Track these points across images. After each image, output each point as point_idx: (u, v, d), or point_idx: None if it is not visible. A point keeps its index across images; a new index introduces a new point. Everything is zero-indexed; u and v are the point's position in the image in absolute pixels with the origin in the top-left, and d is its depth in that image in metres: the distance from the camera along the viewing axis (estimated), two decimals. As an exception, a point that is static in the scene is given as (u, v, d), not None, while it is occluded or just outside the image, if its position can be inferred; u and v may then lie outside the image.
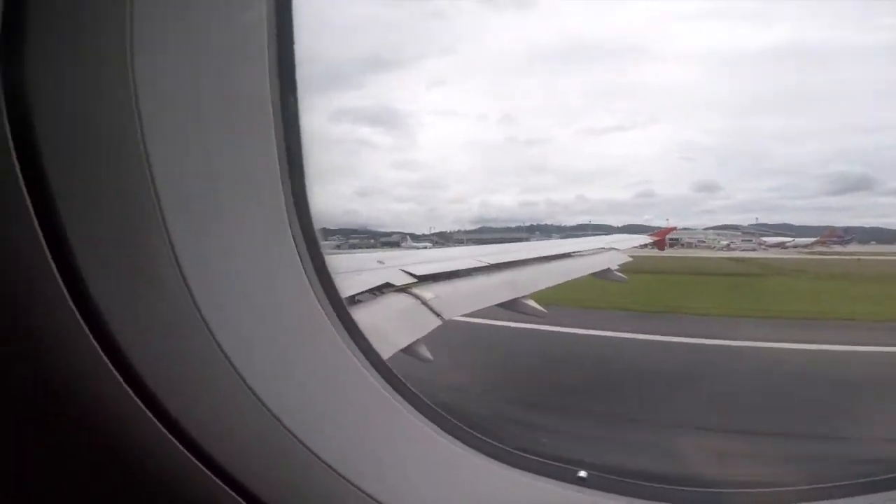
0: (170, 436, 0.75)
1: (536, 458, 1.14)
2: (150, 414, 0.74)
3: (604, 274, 7.46)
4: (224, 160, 0.82)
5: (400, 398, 1.08)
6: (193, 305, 0.76)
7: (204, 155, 0.80)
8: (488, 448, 1.14)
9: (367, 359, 1.06)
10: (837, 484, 1.09)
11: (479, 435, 1.15)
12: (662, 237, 10.37)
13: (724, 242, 52.86)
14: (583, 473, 1.11)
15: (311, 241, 0.98)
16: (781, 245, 47.96)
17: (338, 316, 1.02)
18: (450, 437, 1.12)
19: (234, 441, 0.82)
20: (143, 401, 0.73)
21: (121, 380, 0.72)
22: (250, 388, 0.81)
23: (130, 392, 0.72)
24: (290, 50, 0.92)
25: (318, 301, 0.97)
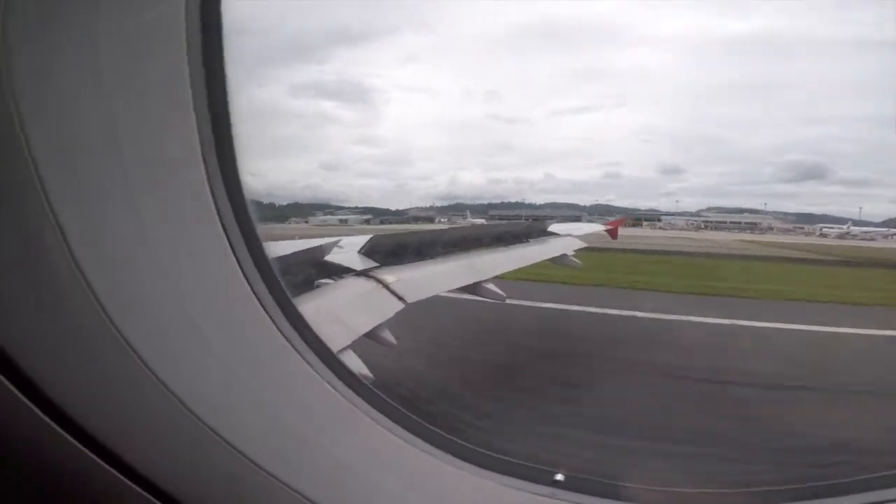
0: (63, 432, 0.70)
1: (511, 460, 1.13)
2: (38, 410, 0.68)
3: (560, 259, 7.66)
4: (131, 143, 0.76)
5: (349, 391, 1.03)
6: (90, 294, 0.70)
7: (109, 140, 0.74)
8: (458, 449, 1.11)
9: (310, 347, 1.01)
10: (828, 483, 1.13)
11: (447, 435, 1.12)
12: (616, 227, 10.75)
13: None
14: (559, 476, 1.11)
15: (244, 222, 0.92)
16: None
17: (271, 296, 0.97)
18: (410, 436, 1.07)
19: (139, 436, 0.77)
20: (32, 399, 0.68)
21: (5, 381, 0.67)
22: (160, 380, 0.75)
23: (14, 390, 0.67)
24: (216, 24, 0.87)
25: (247, 280, 0.92)
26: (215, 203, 0.86)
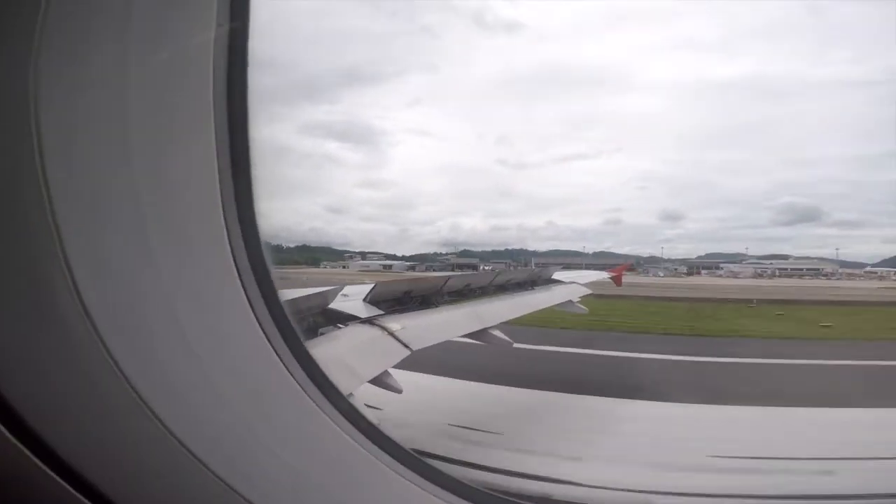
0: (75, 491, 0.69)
1: (515, 500, 1.10)
2: (51, 472, 0.68)
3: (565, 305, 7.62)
4: (149, 193, 0.76)
5: (362, 437, 1.00)
6: (103, 349, 0.69)
7: (128, 191, 0.74)
8: (457, 487, 1.08)
9: (326, 397, 0.98)
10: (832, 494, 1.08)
11: (444, 472, 1.09)
12: (620, 273, 10.74)
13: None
14: None
15: (260, 272, 0.91)
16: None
17: (286, 345, 0.94)
18: (423, 481, 1.04)
19: (151, 488, 0.76)
20: (46, 461, 0.68)
21: None
22: (176, 436, 0.74)
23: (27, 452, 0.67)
24: (242, 63, 0.89)
25: (265, 333, 0.90)
26: (233, 254, 0.86)
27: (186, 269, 0.81)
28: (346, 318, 3.65)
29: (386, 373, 3.18)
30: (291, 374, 0.93)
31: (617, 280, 10.14)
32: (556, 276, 8.42)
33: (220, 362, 0.82)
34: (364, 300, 4.10)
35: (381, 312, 4.01)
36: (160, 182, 0.78)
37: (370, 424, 1.06)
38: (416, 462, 1.06)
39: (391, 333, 3.68)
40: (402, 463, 1.04)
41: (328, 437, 0.96)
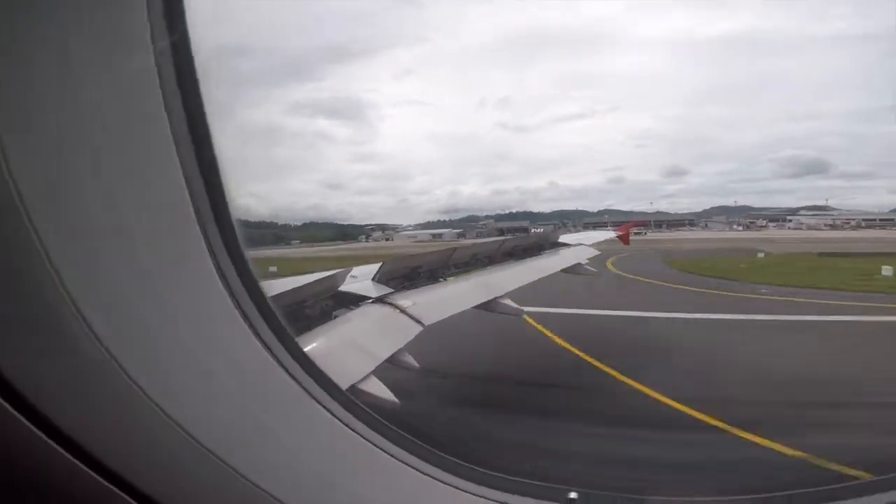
0: (52, 442, 0.72)
1: (523, 481, 1.14)
2: (25, 420, 0.71)
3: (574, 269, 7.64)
4: (125, 198, 0.78)
5: (348, 415, 1.05)
6: (98, 344, 0.73)
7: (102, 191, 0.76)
8: (474, 474, 1.12)
9: (310, 376, 1.03)
10: (832, 487, 1.13)
11: (462, 462, 1.13)
12: (626, 232, 10.68)
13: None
14: (573, 494, 1.11)
15: (232, 247, 0.95)
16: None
17: (267, 325, 0.99)
18: (417, 460, 1.09)
19: (123, 442, 0.79)
20: (19, 408, 0.70)
21: None
22: (139, 387, 0.77)
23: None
24: (186, 47, 0.89)
25: (238, 309, 0.94)
26: (212, 250, 0.90)
27: (169, 269, 0.84)
28: (357, 300, 3.71)
29: (401, 350, 3.24)
30: (278, 361, 0.98)
31: (624, 238, 10.10)
32: (563, 238, 8.41)
33: (209, 351, 0.87)
34: (373, 280, 4.15)
35: (391, 290, 4.06)
36: (133, 189, 0.80)
37: (360, 407, 1.11)
38: (409, 442, 1.11)
39: (403, 310, 3.74)
40: (395, 443, 1.09)
41: (318, 420, 1.01)
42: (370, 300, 3.77)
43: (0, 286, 0.69)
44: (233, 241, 0.96)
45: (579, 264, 7.66)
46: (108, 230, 0.77)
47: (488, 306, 4.98)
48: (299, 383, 1.01)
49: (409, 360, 3.31)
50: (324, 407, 1.02)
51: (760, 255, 29.88)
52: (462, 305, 4.61)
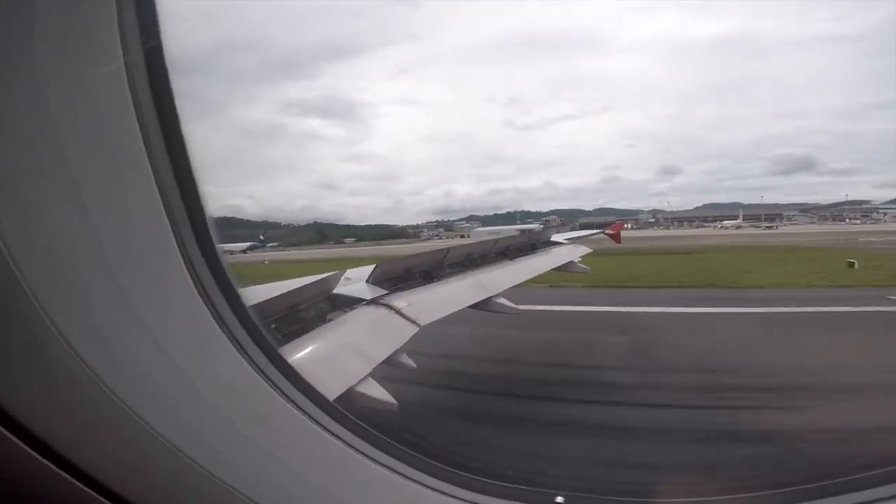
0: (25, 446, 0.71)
1: (510, 486, 1.12)
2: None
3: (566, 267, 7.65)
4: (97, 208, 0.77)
5: (330, 421, 1.04)
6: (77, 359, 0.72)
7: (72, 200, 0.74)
8: (460, 479, 1.10)
9: (291, 382, 1.02)
10: (832, 482, 1.11)
11: (447, 467, 1.11)
12: (618, 231, 10.76)
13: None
14: (560, 498, 1.09)
15: (209, 254, 0.95)
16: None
17: (245, 331, 0.98)
18: (402, 465, 1.07)
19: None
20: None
21: None
22: (111, 391, 0.76)
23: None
24: (158, 47, 0.88)
25: (215, 316, 0.93)
26: (188, 258, 0.89)
27: (143, 278, 0.83)
28: (351, 302, 3.66)
29: (398, 351, 3.20)
30: (254, 364, 0.97)
31: (615, 237, 10.17)
32: (555, 237, 8.43)
33: (186, 356, 0.87)
34: (367, 281, 4.10)
35: (386, 292, 4.01)
36: (106, 195, 0.79)
37: (343, 414, 1.10)
38: (393, 448, 1.10)
39: (398, 311, 3.69)
40: (381, 449, 1.08)
41: (300, 427, 1.00)
42: (365, 302, 3.72)
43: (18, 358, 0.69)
44: (209, 245, 0.95)
45: (572, 262, 7.68)
46: (81, 237, 0.76)
47: (484, 305, 4.97)
48: (278, 389, 1.00)
49: (407, 360, 3.27)
50: (306, 414, 1.02)
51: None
52: (457, 305, 4.58)
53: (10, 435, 0.68)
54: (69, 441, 0.73)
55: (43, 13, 0.72)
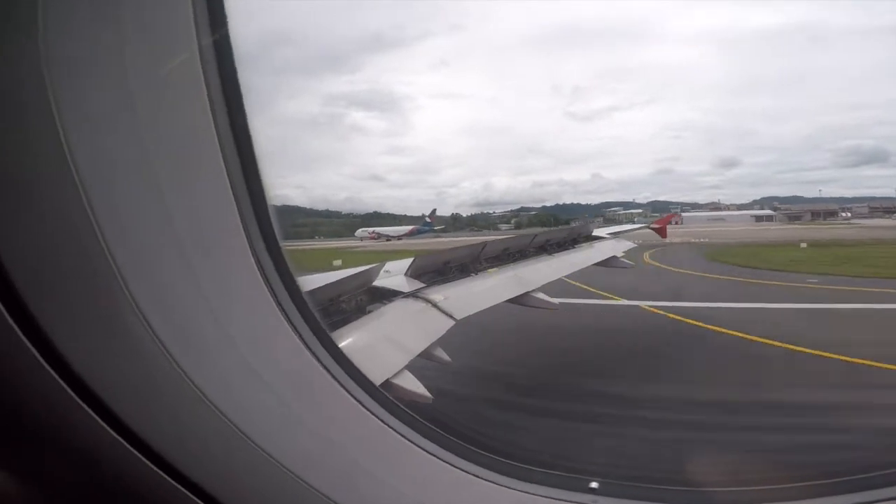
0: (133, 449, 0.78)
1: (545, 471, 1.17)
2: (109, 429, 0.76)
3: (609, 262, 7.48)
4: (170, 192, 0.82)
5: (379, 408, 1.09)
6: (145, 325, 0.78)
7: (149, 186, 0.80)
8: (495, 464, 1.16)
9: (344, 370, 1.08)
10: (837, 480, 1.12)
11: (483, 452, 1.17)
12: (664, 225, 10.32)
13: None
14: (594, 484, 1.13)
15: (271, 242, 1.00)
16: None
17: (303, 319, 1.03)
18: (445, 452, 1.12)
19: (195, 451, 0.85)
20: (107, 420, 0.76)
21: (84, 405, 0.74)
22: (209, 399, 0.83)
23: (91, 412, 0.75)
24: (226, 41, 0.91)
25: (276, 303, 0.98)
26: (255, 253, 0.95)
27: (215, 269, 0.89)
28: (390, 294, 3.80)
29: (433, 345, 3.30)
30: (314, 355, 1.02)
31: (661, 232, 9.78)
32: (597, 231, 8.25)
33: (252, 347, 0.92)
34: (406, 274, 4.23)
35: (423, 285, 4.12)
36: (184, 196, 0.84)
37: (394, 403, 1.15)
38: (438, 436, 1.15)
39: (434, 305, 3.79)
40: (428, 438, 1.13)
41: (353, 414, 1.05)
42: (403, 295, 3.85)
43: (74, 294, 0.75)
44: (272, 240, 1.01)
45: (615, 257, 7.50)
46: (164, 238, 0.82)
47: (521, 300, 4.98)
48: (336, 379, 1.06)
49: (442, 354, 3.37)
50: (358, 402, 1.08)
51: None
52: (494, 299, 4.62)
53: (109, 429, 0.76)
54: (155, 432, 0.80)
55: (125, 3, 0.76)
